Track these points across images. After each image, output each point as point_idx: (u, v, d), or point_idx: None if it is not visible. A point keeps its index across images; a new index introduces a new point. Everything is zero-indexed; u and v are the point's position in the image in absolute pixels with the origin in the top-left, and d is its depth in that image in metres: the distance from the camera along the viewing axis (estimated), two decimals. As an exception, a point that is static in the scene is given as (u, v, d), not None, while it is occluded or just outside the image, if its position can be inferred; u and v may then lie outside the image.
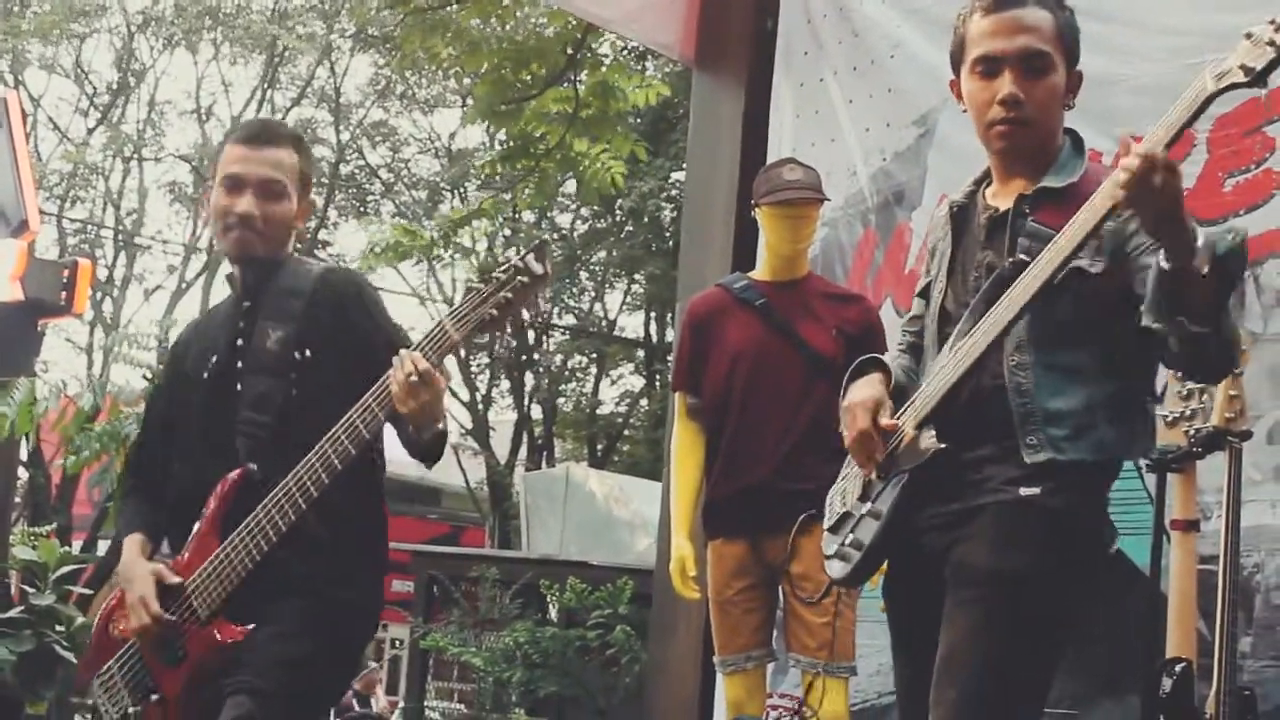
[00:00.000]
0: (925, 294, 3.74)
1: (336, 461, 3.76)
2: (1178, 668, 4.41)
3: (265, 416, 3.98)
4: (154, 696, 3.98)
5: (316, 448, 3.78)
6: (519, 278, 3.65)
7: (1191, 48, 5.18)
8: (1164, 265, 3.08)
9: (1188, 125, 3.12)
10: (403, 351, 3.69)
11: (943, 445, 3.39)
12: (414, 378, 3.63)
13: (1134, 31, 5.81)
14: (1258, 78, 3.03)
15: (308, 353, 4.01)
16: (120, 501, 4.39)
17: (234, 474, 3.95)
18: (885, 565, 3.67)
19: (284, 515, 3.80)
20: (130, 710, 4.01)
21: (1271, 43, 3.02)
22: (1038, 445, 3.33)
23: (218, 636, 3.87)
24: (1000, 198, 3.54)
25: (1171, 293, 3.11)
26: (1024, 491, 3.33)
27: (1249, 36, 3.06)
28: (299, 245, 4.32)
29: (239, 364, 4.07)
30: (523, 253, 3.71)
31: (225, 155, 4.13)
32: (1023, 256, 3.33)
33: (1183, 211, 3.06)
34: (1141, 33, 5.77)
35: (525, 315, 3.71)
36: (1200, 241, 3.06)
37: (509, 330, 3.74)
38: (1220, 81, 3.07)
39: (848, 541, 3.58)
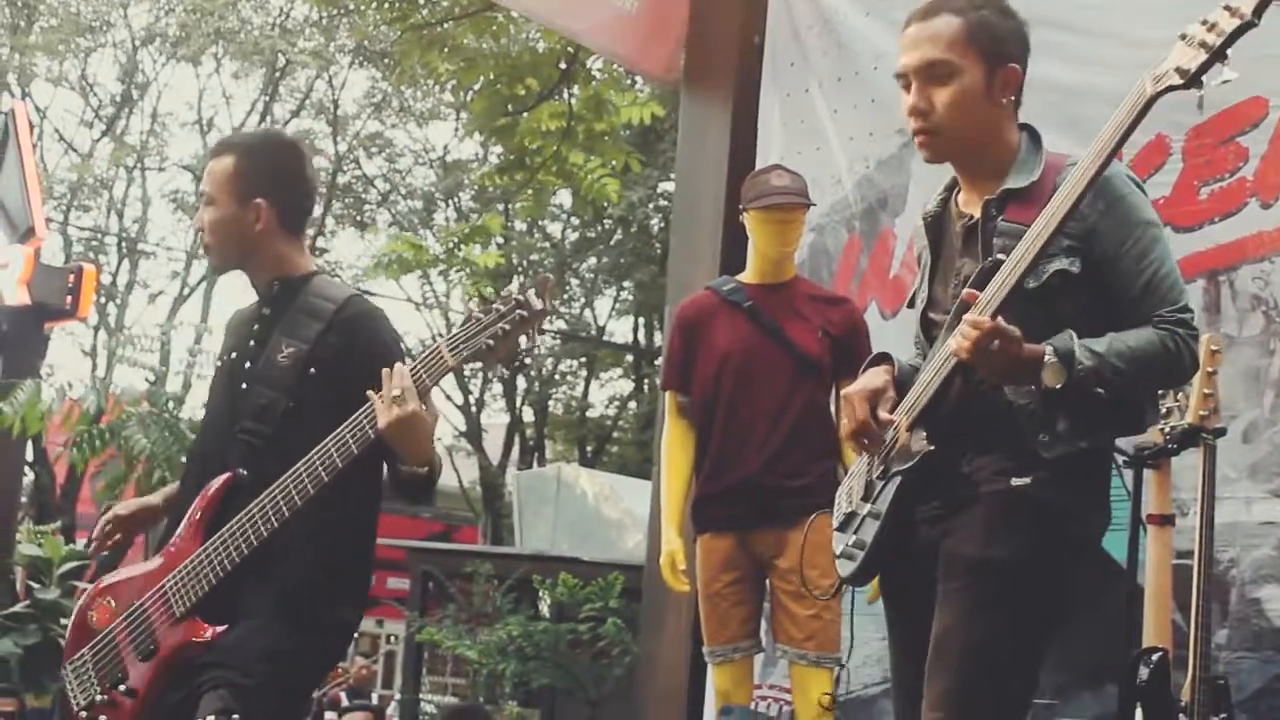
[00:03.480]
0: (914, 304, 3.79)
1: (324, 474, 3.80)
2: (1154, 657, 4.44)
3: (263, 426, 4.02)
4: (122, 687, 3.99)
5: (305, 459, 3.81)
6: (518, 311, 3.67)
7: (1157, 59, 5.23)
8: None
9: (1132, 129, 3.21)
10: (395, 365, 3.75)
11: (932, 448, 3.42)
12: (396, 392, 3.68)
13: (1100, 42, 5.85)
14: (1192, 79, 3.10)
15: (312, 371, 4.03)
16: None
17: (221, 478, 4.00)
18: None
19: (266, 522, 3.83)
20: (98, 698, 4.02)
21: (1203, 44, 3.08)
22: (1049, 443, 3.37)
23: (189, 634, 3.89)
24: (971, 204, 3.59)
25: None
26: (1015, 482, 3.37)
27: (1183, 38, 3.12)
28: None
29: (247, 366, 4.13)
30: (524, 286, 3.72)
31: None
32: (1000, 256, 3.35)
33: (1017, 362, 3.24)
34: (1107, 43, 5.80)
35: (521, 347, 3.72)
36: (1050, 358, 3.24)
37: (501, 361, 3.76)
38: (1158, 84, 3.15)
39: (852, 541, 3.61)
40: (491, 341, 3.68)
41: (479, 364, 3.81)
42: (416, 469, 3.88)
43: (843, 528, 3.69)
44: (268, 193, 4.15)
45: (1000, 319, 3.24)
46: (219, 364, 4.27)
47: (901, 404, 3.53)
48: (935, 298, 3.67)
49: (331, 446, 3.80)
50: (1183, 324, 3.38)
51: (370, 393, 3.74)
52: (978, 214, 3.54)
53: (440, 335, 25.99)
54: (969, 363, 3.27)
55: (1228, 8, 3.10)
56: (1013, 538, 3.36)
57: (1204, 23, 3.11)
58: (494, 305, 3.71)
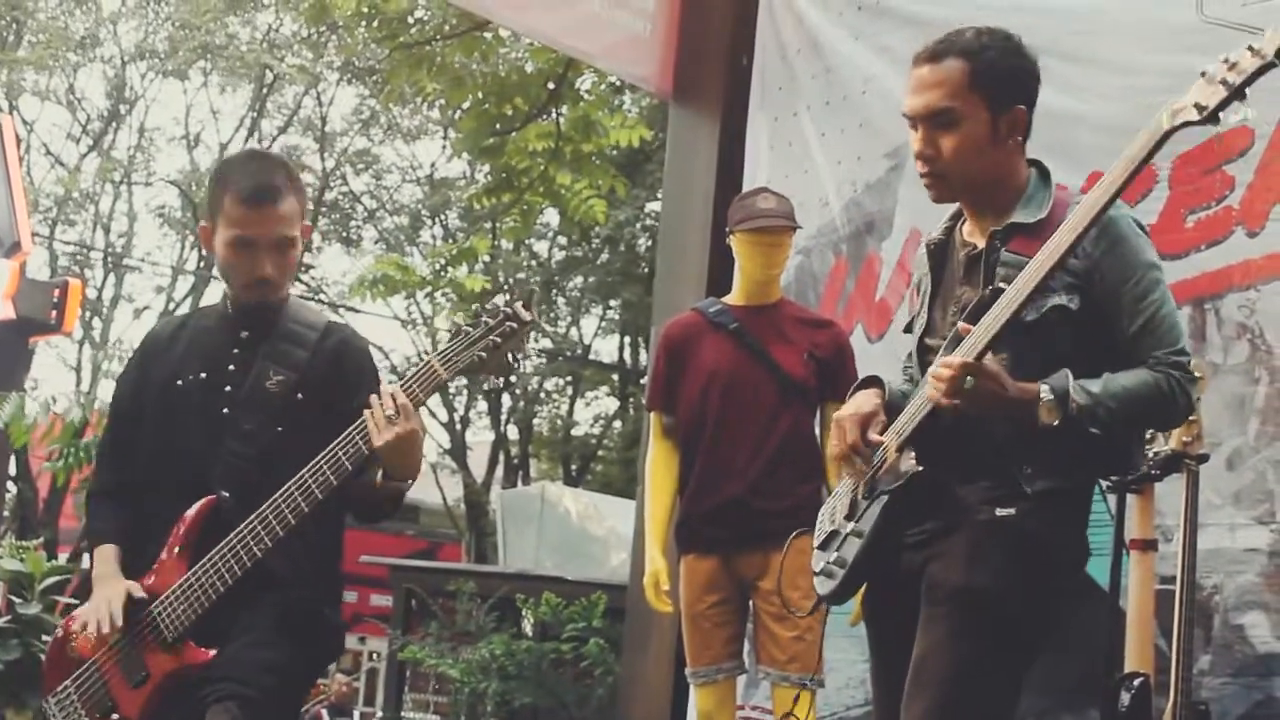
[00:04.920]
0: (911, 329, 3.82)
1: (318, 491, 3.81)
2: (1136, 682, 4.46)
3: (251, 450, 4.01)
4: (115, 716, 3.94)
5: (296, 478, 3.81)
6: (507, 323, 3.73)
7: (1148, 87, 5.16)
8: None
9: (1147, 161, 3.24)
10: (386, 385, 3.77)
11: (920, 468, 3.45)
12: (391, 410, 3.71)
13: (1092, 70, 5.88)
14: (1210, 115, 3.13)
15: (300, 396, 4.05)
16: (90, 502, 4.31)
17: (205, 500, 3.96)
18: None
19: (259, 542, 3.82)
20: None
21: (1224, 81, 3.12)
22: (1032, 474, 3.40)
23: (183, 659, 3.87)
24: (975, 235, 3.62)
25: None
26: (999, 512, 3.41)
27: (1204, 75, 3.15)
28: None
29: (228, 389, 4.08)
30: (511, 299, 3.77)
31: (230, 211, 4.03)
32: (1001, 285, 3.37)
33: (1004, 400, 3.29)
34: (1099, 72, 5.84)
35: (510, 359, 3.77)
36: (1045, 396, 3.28)
37: (493, 373, 3.79)
38: (1175, 119, 3.18)
39: (833, 559, 3.62)
40: (483, 354, 3.73)
41: (471, 377, 3.83)
42: (402, 484, 3.94)
43: (824, 546, 3.71)
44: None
45: (988, 356, 3.29)
46: (177, 384, 4.14)
47: (892, 426, 3.55)
48: (933, 324, 3.70)
49: (324, 464, 3.81)
50: (1178, 366, 3.41)
51: (367, 411, 3.77)
52: (981, 244, 3.58)
53: (426, 353, 26.04)
54: (949, 404, 3.31)
55: (1250, 48, 3.13)
56: (995, 566, 3.39)
57: (1225, 61, 3.14)
58: (483, 318, 3.76)
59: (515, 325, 3.74)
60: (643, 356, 26.58)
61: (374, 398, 3.77)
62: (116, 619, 3.89)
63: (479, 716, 11.96)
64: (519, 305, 3.75)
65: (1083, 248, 3.37)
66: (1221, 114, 3.14)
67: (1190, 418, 4.57)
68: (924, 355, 3.68)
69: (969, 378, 3.24)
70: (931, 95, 3.52)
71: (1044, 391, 3.30)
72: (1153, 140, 3.23)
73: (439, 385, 3.80)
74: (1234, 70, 3.12)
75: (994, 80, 3.52)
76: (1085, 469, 3.51)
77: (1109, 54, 5.87)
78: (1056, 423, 3.28)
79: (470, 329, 3.76)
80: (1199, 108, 3.15)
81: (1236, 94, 3.12)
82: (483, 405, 28.99)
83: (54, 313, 15.39)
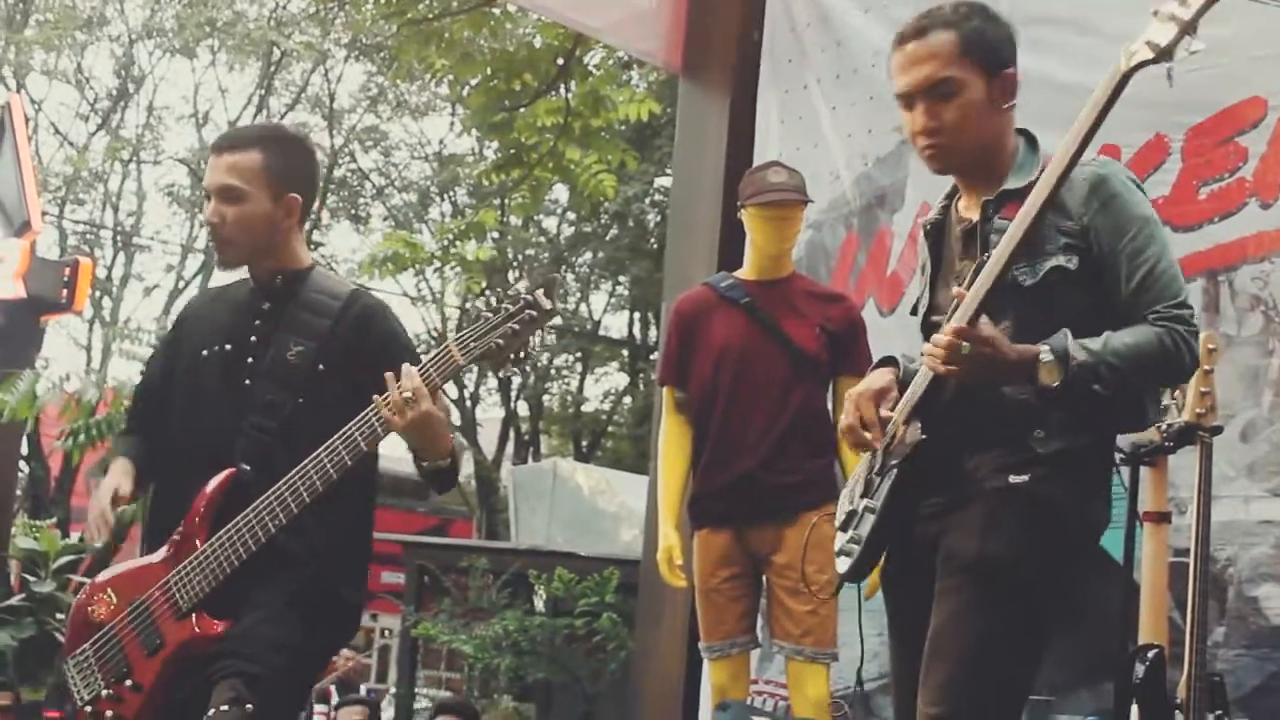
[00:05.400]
0: (916, 311, 3.82)
1: (332, 470, 3.81)
2: (1150, 654, 4.45)
3: (272, 423, 4.01)
4: (128, 681, 3.97)
5: (313, 455, 3.82)
6: (527, 311, 3.69)
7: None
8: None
9: (1109, 107, 3.21)
10: (404, 367, 3.74)
11: (924, 436, 3.44)
12: (406, 393, 3.69)
13: (1088, 38, 5.85)
14: (1164, 52, 3.10)
15: (321, 367, 4.04)
16: (117, 438, 4.37)
17: (225, 473, 3.97)
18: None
19: (274, 518, 3.83)
20: (103, 692, 4.00)
21: (1173, 17, 3.10)
22: (1043, 437, 3.39)
23: (196, 629, 3.88)
24: (970, 209, 3.62)
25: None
26: (1013, 479, 3.40)
27: (1156, 14, 3.13)
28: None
29: (249, 360, 4.09)
30: (531, 285, 3.73)
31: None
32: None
33: (1003, 363, 3.27)
34: (1097, 40, 5.75)
35: (528, 346, 3.74)
36: (1045, 357, 3.26)
37: (510, 360, 3.75)
38: (1132, 60, 3.15)
39: (850, 537, 3.63)
40: (501, 341, 3.69)
41: (487, 364, 3.79)
42: (439, 463, 3.93)
43: (844, 526, 3.70)
44: (300, 188, 4.15)
45: (984, 320, 3.27)
46: (203, 355, 4.17)
47: (900, 401, 3.55)
48: (937, 303, 3.69)
49: (340, 445, 3.81)
50: (1181, 320, 3.38)
51: (376, 396, 3.76)
52: (977, 217, 3.57)
53: (435, 330, 25.94)
54: (946, 374, 3.31)
55: None
56: (1010, 534, 3.37)
57: None
58: (503, 305, 3.72)
59: (534, 314, 3.69)
60: (652, 332, 26.59)
61: (390, 378, 3.74)
62: (108, 516, 4.02)
63: (491, 692, 11.97)
64: (539, 293, 3.71)
65: (1076, 207, 3.38)
66: (1175, 50, 3.11)
67: (1203, 390, 4.60)
68: (929, 331, 3.67)
69: (964, 344, 3.23)
70: (927, 68, 3.52)
71: (1044, 352, 3.28)
72: (1113, 83, 3.20)
73: (456, 370, 3.76)
74: (1184, 5, 3.10)
75: (983, 46, 3.54)
76: (1097, 428, 3.48)
77: (1105, 21, 5.79)
78: (1057, 383, 3.26)
79: (490, 315, 3.72)
80: (1152, 45, 3.12)
81: (1188, 28, 3.09)
82: (492, 382, 28.99)
83: (65, 292, 15.44)
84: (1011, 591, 3.37)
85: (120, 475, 4.17)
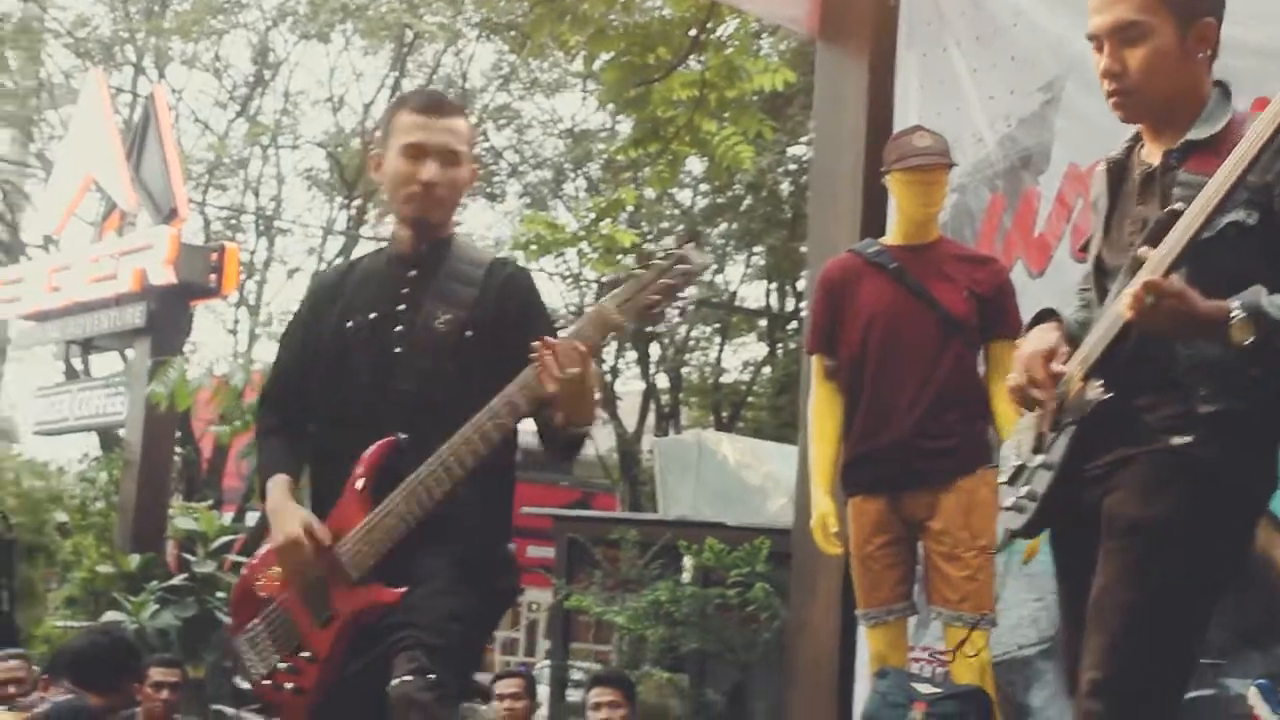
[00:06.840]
0: (1087, 248, 3.76)
1: (495, 434, 3.82)
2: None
3: (422, 390, 4.03)
4: (304, 654, 4.01)
5: (473, 421, 3.82)
6: (679, 265, 3.68)
7: None
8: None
9: None
10: (569, 329, 3.75)
11: (1108, 395, 3.39)
12: (567, 355, 3.68)
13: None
14: None
15: (469, 334, 4.06)
16: (260, 439, 4.38)
17: (384, 441, 3.98)
18: None
19: (440, 483, 3.83)
20: (279, 665, 4.04)
21: None
22: (1208, 396, 3.32)
23: (369, 597, 3.91)
24: (1153, 154, 3.53)
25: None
26: (1175, 441, 3.33)
27: None
28: None
29: (398, 329, 4.11)
30: (680, 241, 3.73)
31: (400, 123, 4.16)
32: (1178, 206, 3.27)
33: (1193, 318, 3.15)
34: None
35: (680, 304, 3.72)
36: (1237, 314, 3.13)
37: (666, 318, 3.75)
38: None
39: (1023, 493, 3.59)
40: (657, 296, 3.69)
41: (643, 323, 3.79)
42: (580, 429, 3.93)
43: (1011, 481, 3.66)
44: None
45: (1174, 275, 3.18)
46: (348, 326, 4.19)
47: (1074, 356, 3.50)
48: (1110, 244, 3.62)
49: (500, 407, 3.82)
50: None
51: (541, 350, 3.74)
52: (1156, 164, 3.51)
53: (572, 306, 26.01)
54: (1137, 324, 3.23)
55: None
56: (1170, 497, 3.31)
57: None
58: (655, 261, 3.71)
59: (687, 267, 3.69)
60: (789, 302, 26.53)
61: (546, 339, 3.74)
62: (318, 534, 3.95)
63: (640, 664, 12.04)
64: (690, 247, 3.70)
65: (1262, 163, 3.23)
66: None
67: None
68: (1100, 275, 3.62)
69: (1150, 296, 3.13)
70: (1119, 9, 3.44)
71: (1235, 309, 3.15)
72: None
73: (615, 329, 3.76)
74: None
75: None
76: (1264, 390, 3.36)
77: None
78: (1250, 340, 3.14)
79: (643, 272, 3.71)
80: None
81: None
82: (631, 355, 29.07)
83: (213, 276, 15.76)
84: (1173, 555, 3.29)
85: (290, 505, 4.11)
